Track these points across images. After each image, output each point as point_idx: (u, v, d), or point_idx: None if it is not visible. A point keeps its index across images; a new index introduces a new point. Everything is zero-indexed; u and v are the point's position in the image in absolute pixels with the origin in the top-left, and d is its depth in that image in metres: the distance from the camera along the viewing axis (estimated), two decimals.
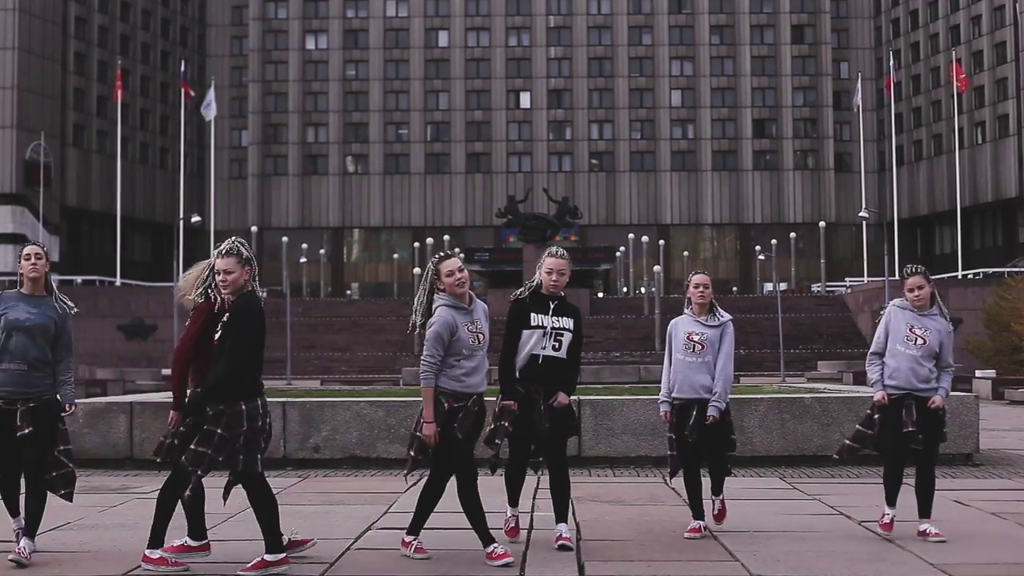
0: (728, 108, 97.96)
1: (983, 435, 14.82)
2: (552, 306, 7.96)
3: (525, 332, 7.91)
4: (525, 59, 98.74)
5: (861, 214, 65.93)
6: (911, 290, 8.46)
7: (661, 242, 78.21)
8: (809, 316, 59.81)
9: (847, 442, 8.68)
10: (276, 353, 55.52)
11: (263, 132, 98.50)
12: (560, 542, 7.87)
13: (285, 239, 75.72)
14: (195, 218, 64.92)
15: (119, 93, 74.43)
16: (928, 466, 8.44)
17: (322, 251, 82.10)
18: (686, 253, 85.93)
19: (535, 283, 8.04)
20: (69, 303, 7.71)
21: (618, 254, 73.27)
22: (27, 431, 7.29)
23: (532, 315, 7.93)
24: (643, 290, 71.20)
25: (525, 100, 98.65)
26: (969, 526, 8.89)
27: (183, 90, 77.38)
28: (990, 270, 72.48)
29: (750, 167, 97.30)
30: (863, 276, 78.20)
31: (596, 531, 8.69)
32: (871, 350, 8.59)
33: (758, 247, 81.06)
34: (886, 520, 8.47)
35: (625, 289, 75.08)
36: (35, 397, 7.45)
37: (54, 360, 7.58)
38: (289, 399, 13.88)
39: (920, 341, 8.34)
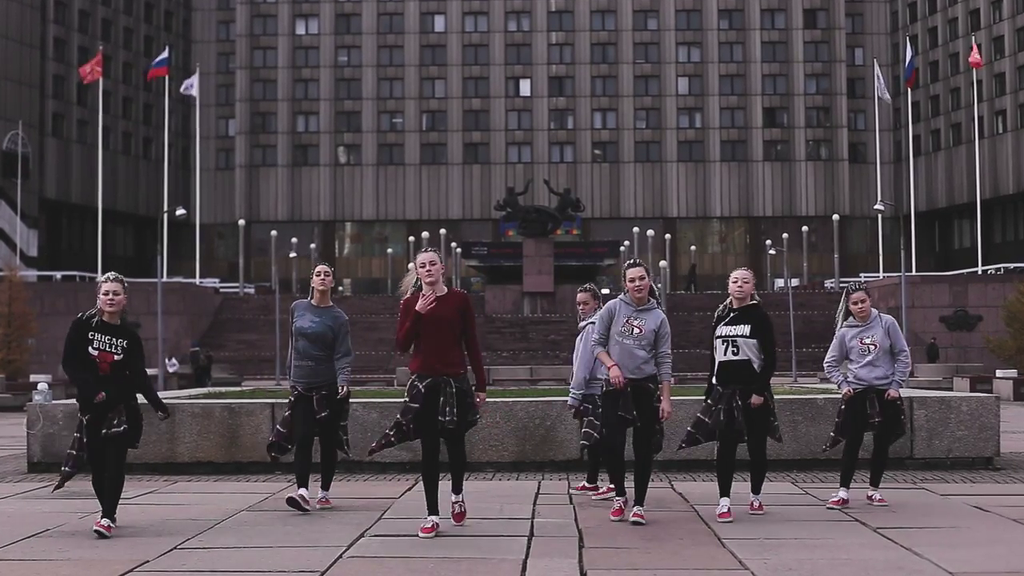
0: (737, 96, 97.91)
1: (1004, 438, 14.81)
2: (731, 316, 9.86)
3: (715, 342, 9.87)
4: (525, 45, 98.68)
5: (876, 207, 65.95)
6: (855, 303, 10.47)
7: (667, 236, 78.27)
8: (822, 313, 59.77)
9: (832, 434, 10.75)
10: (265, 352, 55.59)
11: (251, 121, 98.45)
12: (752, 510, 9.80)
13: (274, 233, 75.83)
14: (180, 211, 64.74)
15: (98, 75, 73.79)
16: (883, 445, 10.56)
17: (312, 245, 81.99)
18: (693, 247, 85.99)
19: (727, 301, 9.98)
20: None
21: (622, 248, 73.17)
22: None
23: (717, 328, 9.88)
24: None
25: (525, 87, 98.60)
26: (989, 532, 8.89)
27: (162, 76, 77.02)
28: (1011, 265, 72.46)
29: (760, 158, 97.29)
30: (878, 271, 78.17)
31: (600, 537, 8.70)
32: (828, 362, 10.64)
33: (768, 241, 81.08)
34: (835, 498, 10.32)
35: None
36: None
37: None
38: (278, 400, 13.87)
39: (872, 347, 10.39)
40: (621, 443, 9.50)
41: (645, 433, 9.43)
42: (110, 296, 9.17)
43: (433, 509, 8.87)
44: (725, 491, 9.72)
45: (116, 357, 9.12)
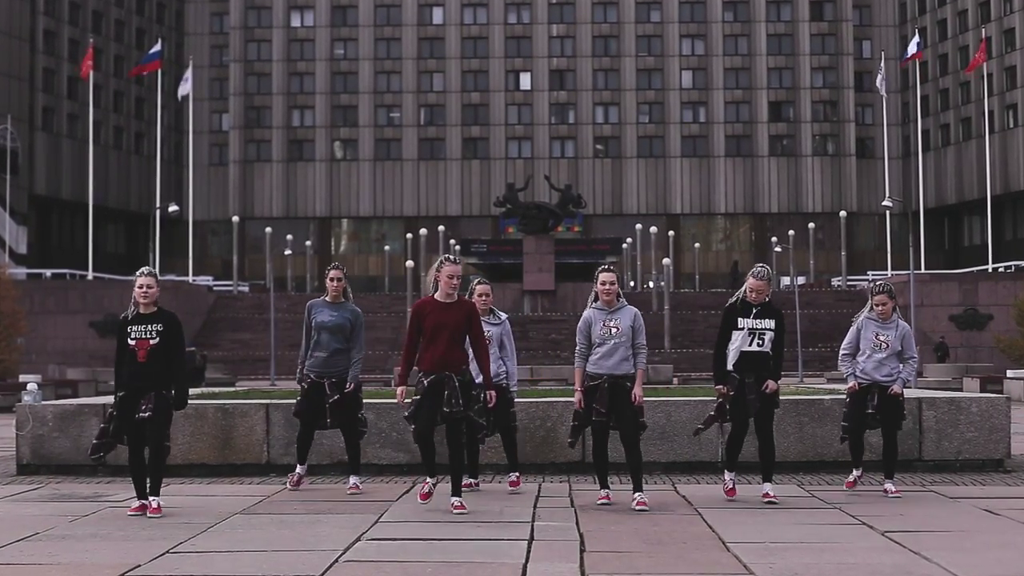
0: (742, 90, 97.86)
1: (1015, 439, 14.79)
2: (755, 311, 10.80)
3: (734, 332, 10.82)
4: (525, 37, 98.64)
5: (884, 203, 65.96)
6: (877, 304, 11.39)
7: (671, 233, 78.18)
8: (829, 312, 59.79)
9: (841, 431, 11.70)
10: (260, 352, 55.59)
11: (245, 115, 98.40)
12: (767, 499, 10.60)
13: (268, 230, 75.70)
14: (172, 207, 64.97)
15: (89, 70, 73.72)
16: (891, 439, 11.41)
17: (308, 243, 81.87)
18: (697, 244, 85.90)
19: (741, 294, 10.95)
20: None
21: (625, 246, 73.18)
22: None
23: (739, 319, 10.81)
24: (651, 284, 71.16)
25: (525, 81, 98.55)
26: (1000, 536, 8.89)
27: (156, 70, 77.01)
28: (1022, 263, 72.49)
29: (766, 153, 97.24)
30: (887, 269, 78.13)
31: (601, 541, 8.69)
32: (843, 352, 11.53)
33: (774, 238, 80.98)
34: (850, 479, 11.60)
35: (632, 283, 75.04)
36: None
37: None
38: (273, 401, 13.87)
39: (884, 345, 11.30)
40: (603, 440, 10.62)
41: (625, 425, 10.43)
42: (144, 289, 10.14)
43: (431, 472, 10.41)
44: (732, 466, 10.96)
45: (152, 342, 10.04)
